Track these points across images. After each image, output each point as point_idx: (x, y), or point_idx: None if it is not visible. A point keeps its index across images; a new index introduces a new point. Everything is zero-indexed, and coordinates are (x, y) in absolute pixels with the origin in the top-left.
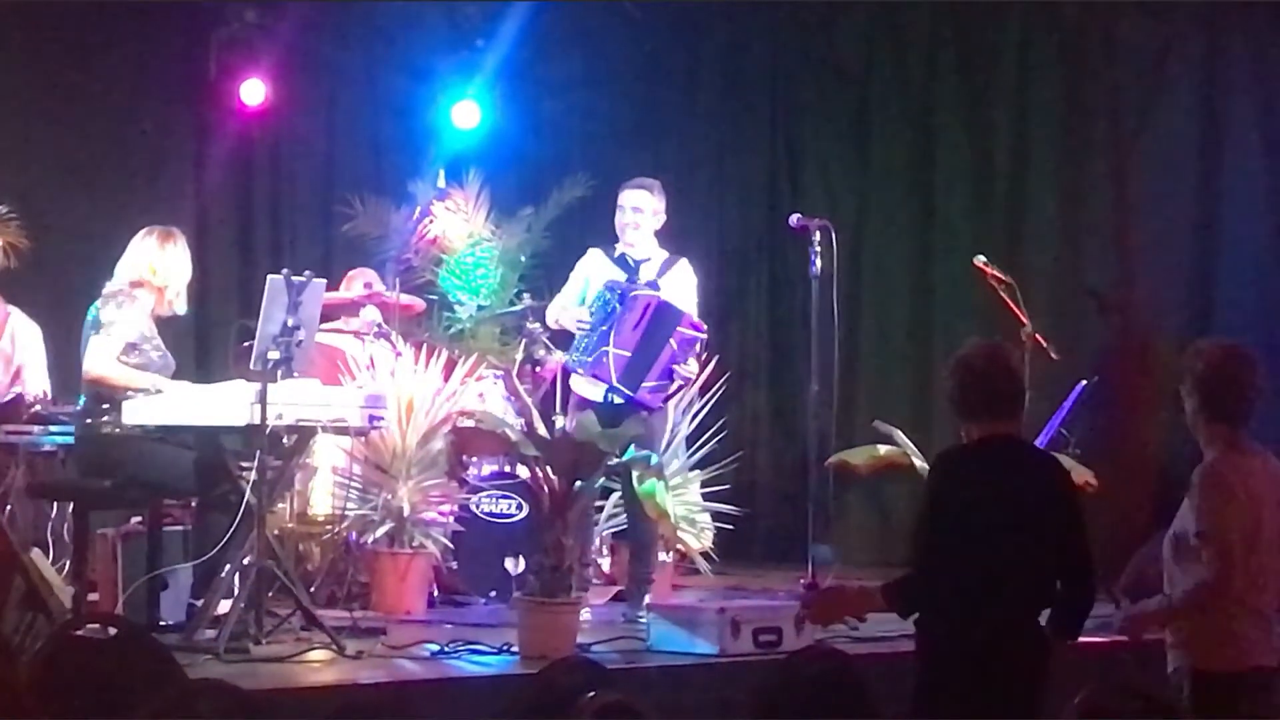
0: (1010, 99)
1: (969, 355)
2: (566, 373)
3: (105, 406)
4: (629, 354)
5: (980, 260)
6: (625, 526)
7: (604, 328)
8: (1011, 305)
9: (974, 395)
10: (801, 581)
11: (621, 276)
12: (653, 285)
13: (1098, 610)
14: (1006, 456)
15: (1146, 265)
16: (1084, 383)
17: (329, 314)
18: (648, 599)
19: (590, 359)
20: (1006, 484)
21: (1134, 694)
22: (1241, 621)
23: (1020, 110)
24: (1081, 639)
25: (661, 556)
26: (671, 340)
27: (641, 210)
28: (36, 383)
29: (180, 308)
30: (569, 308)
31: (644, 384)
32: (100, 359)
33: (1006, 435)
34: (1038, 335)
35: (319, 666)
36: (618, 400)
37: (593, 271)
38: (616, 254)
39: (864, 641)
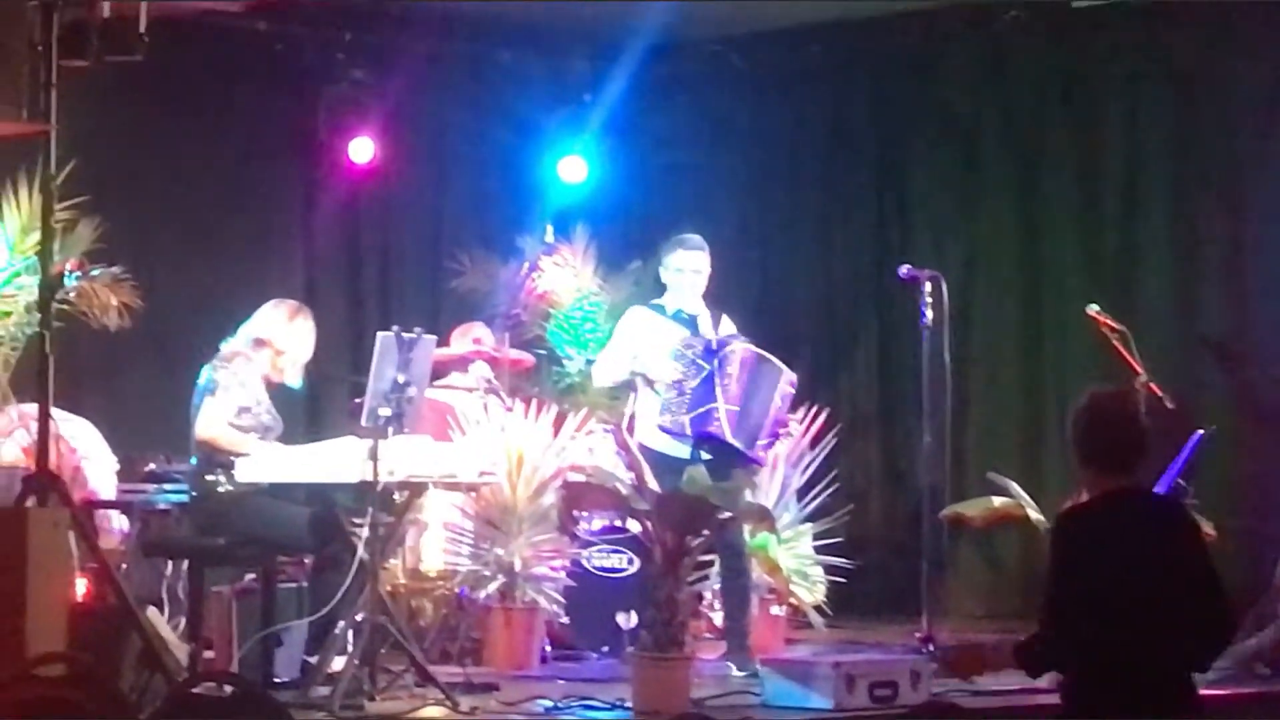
0: (1120, 144)
1: (1100, 401)
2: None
3: (218, 465)
4: (738, 409)
5: (1093, 309)
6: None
7: (695, 384)
8: (1125, 354)
9: (1102, 443)
10: (917, 635)
11: (683, 333)
12: (723, 341)
13: (1218, 663)
14: (1132, 510)
15: (1263, 311)
16: (1201, 432)
17: (439, 370)
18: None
19: (689, 417)
20: (1134, 539)
21: None
22: None
23: (1130, 155)
24: (1207, 690)
25: (774, 610)
26: (777, 395)
27: (700, 271)
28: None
29: (292, 379)
30: (622, 364)
31: (759, 440)
32: (212, 422)
33: (1130, 488)
34: (1152, 384)
35: None
36: (706, 456)
37: (641, 330)
38: (671, 311)
39: (980, 695)
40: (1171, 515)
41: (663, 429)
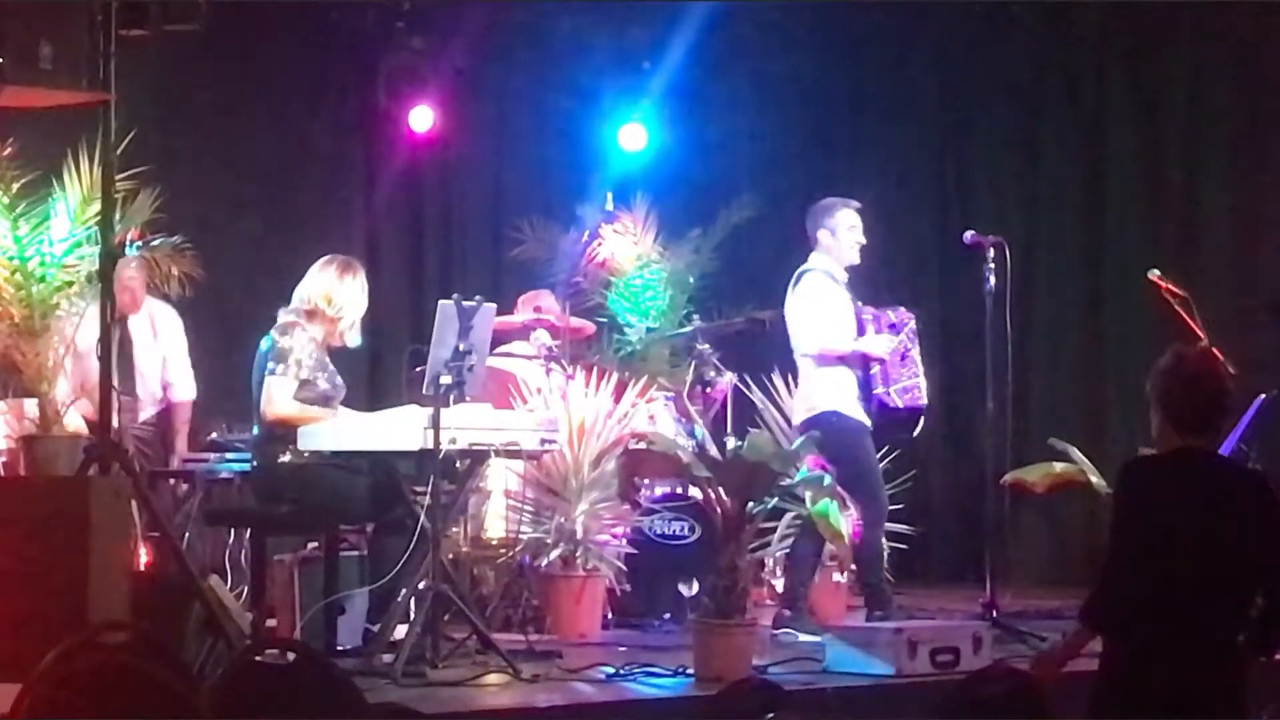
0: (1182, 109)
1: (1188, 360)
2: (737, 393)
3: (280, 434)
4: (922, 379)
5: (1154, 274)
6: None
7: (905, 357)
8: (1187, 319)
9: (1185, 401)
10: (980, 601)
11: (851, 300)
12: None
13: None
14: (1197, 468)
15: None
16: (1263, 396)
17: (500, 338)
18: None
19: (895, 390)
20: (1195, 495)
21: None
22: None
23: (1192, 120)
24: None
25: (836, 577)
26: None
27: (856, 228)
28: (179, 376)
29: (352, 340)
30: (838, 337)
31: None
32: (279, 401)
33: (1201, 449)
34: (1214, 349)
35: (495, 690)
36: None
37: (837, 297)
38: (841, 278)
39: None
40: (1245, 484)
41: (878, 401)
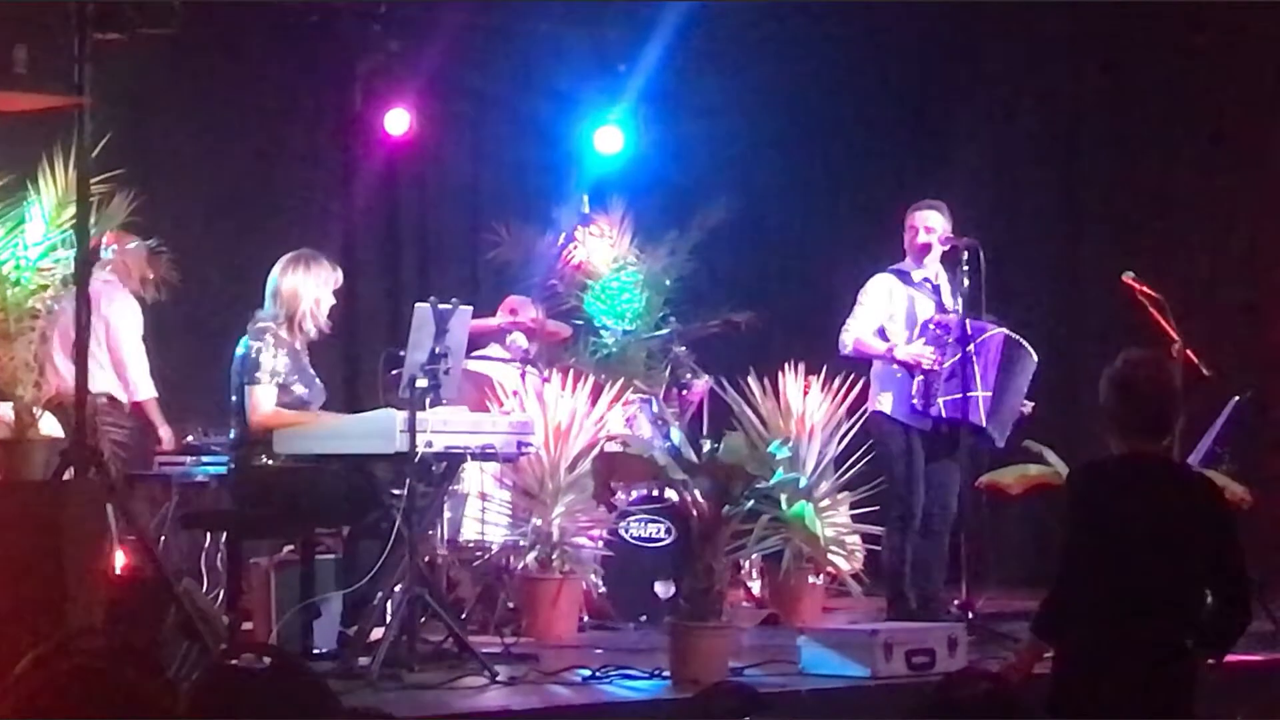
0: (1156, 112)
1: (1134, 365)
2: (713, 396)
3: (257, 437)
4: (992, 395)
5: (1129, 276)
6: (776, 549)
7: (948, 365)
8: (1161, 321)
9: (1133, 407)
10: (955, 603)
11: (929, 302)
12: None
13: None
14: (1149, 472)
15: None
16: (1237, 399)
17: (476, 341)
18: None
19: (944, 399)
20: (1147, 500)
21: None
22: None
23: (1166, 123)
24: (1240, 657)
25: (811, 579)
26: (1026, 381)
27: (934, 230)
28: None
29: (311, 328)
30: (870, 335)
31: (1008, 428)
32: (263, 410)
33: (1153, 453)
34: (1189, 351)
35: (472, 693)
36: (945, 430)
37: (886, 298)
38: (917, 278)
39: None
40: (1193, 488)
41: (914, 408)
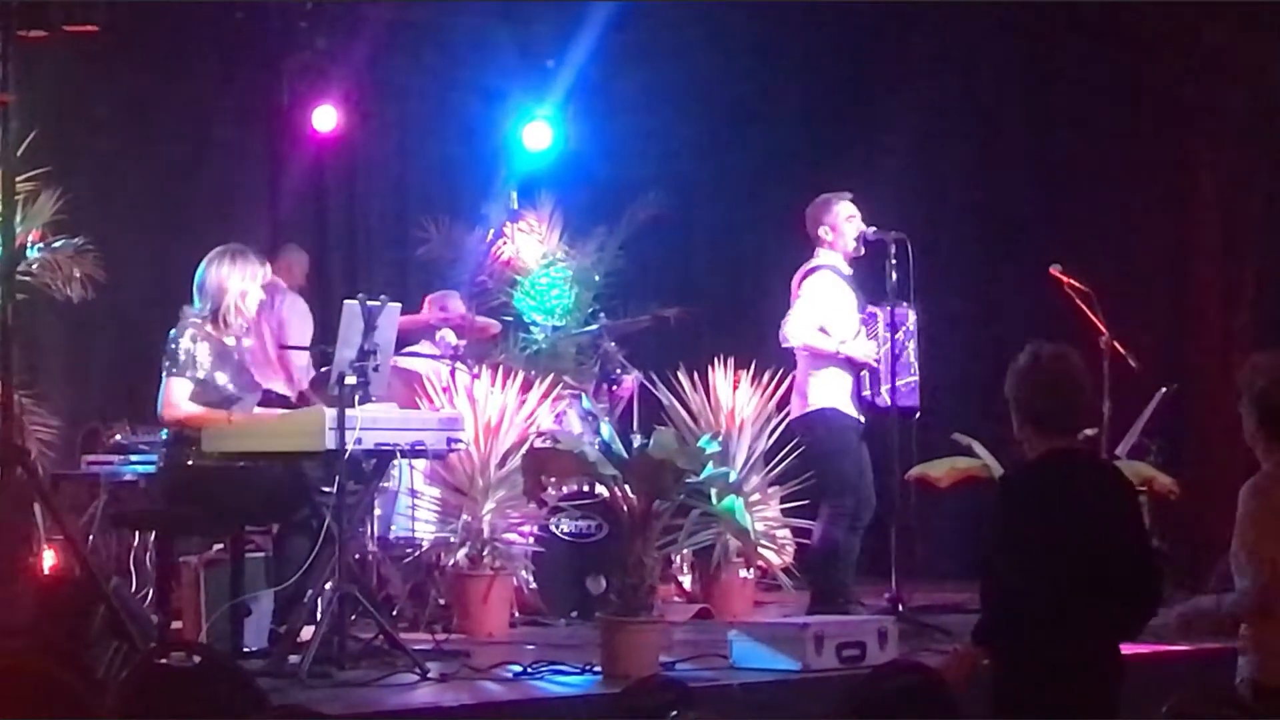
0: (1078, 105)
1: (1041, 359)
2: (643, 391)
3: (186, 437)
4: (919, 377)
5: (1056, 269)
6: (707, 544)
7: (883, 354)
8: (1089, 313)
9: (1042, 402)
10: (886, 596)
11: (855, 298)
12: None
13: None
14: (1068, 472)
15: (1225, 269)
16: (1164, 390)
17: (406, 338)
18: None
19: (888, 389)
20: (1074, 502)
21: (1223, 700)
22: None
23: (1088, 117)
24: (1167, 647)
25: (742, 573)
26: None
27: (855, 217)
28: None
29: (237, 321)
30: (824, 337)
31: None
32: (174, 402)
33: (1068, 449)
34: (1116, 343)
35: (402, 690)
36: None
37: (835, 295)
38: (846, 273)
39: (948, 654)
40: (1108, 478)
41: (866, 403)
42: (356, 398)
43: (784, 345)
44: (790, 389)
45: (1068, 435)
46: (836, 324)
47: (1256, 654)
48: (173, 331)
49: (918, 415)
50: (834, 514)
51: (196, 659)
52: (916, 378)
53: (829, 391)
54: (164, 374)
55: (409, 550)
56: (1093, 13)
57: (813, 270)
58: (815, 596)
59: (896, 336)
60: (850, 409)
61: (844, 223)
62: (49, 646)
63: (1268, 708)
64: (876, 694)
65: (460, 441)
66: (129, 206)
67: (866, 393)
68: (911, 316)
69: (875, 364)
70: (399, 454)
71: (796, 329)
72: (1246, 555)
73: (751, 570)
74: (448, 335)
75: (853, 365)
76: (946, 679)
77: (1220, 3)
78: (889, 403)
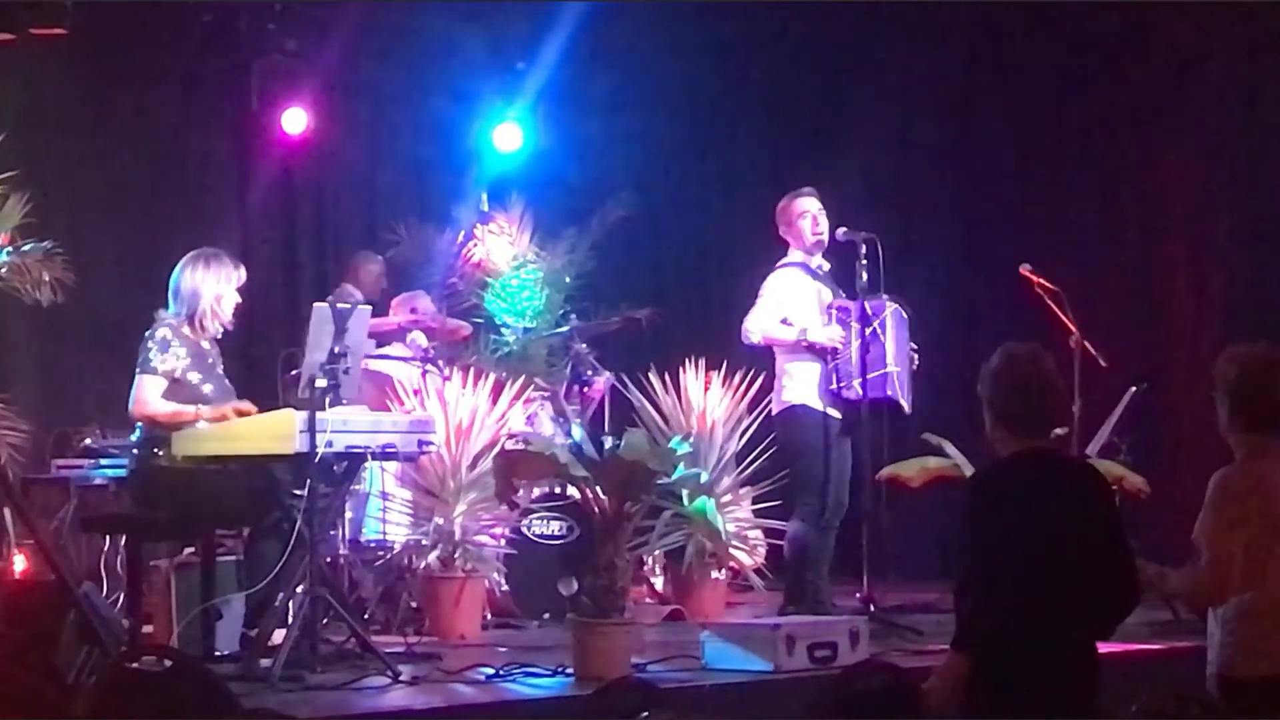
0: (1052, 107)
1: (1014, 360)
2: (614, 392)
3: (156, 439)
4: (900, 369)
5: (1026, 268)
6: (678, 545)
7: (856, 346)
8: (1059, 313)
9: (1015, 403)
10: (857, 596)
11: (830, 293)
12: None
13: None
14: (1041, 471)
15: (1194, 268)
16: (1134, 389)
17: (377, 340)
18: None
19: (860, 381)
20: (1043, 500)
21: (1191, 698)
22: (1267, 628)
23: (1062, 117)
24: (1137, 646)
25: (714, 574)
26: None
27: (821, 214)
28: None
29: (214, 325)
30: (781, 327)
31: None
32: (147, 400)
33: (1042, 449)
34: (1086, 343)
35: (374, 693)
36: (855, 416)
37: (798, 289)
38: (814, 265)
39: (919, 655)
40: (1082, 478)
41: (835, 395)
42: (327, 400)
43: (745, 342)
44: (765, 388)
45: (1040, 436)
46: (798, 317)
47: (1223, 648)
48: (148, 331)
49: (901, 410)
50: (803, 513)
51: (167, 663)
52: (894, 370)
53: (800, 387)
54: (136, 371)
55: (380, 553)
56: (1066, 13)
57: (778, 267)
58: (787, 596)
59: (870, 329)
60: (819, 403)
61: (798, 219)
62: (19, 652)
63: (1236, 701)
64: (848, 694)
65: (431, 444)
66: (98, 210)
67: (834, 385)
68: (890, 309)
69: (841, 347)
70: (370, 456)
71: (753, 323)
72: (1207, 541)
73: (723, 571)
74: (418, 337)
75: (822, 357)
76: (933, 701)
77: (1193, 3)
78: (860, 395)
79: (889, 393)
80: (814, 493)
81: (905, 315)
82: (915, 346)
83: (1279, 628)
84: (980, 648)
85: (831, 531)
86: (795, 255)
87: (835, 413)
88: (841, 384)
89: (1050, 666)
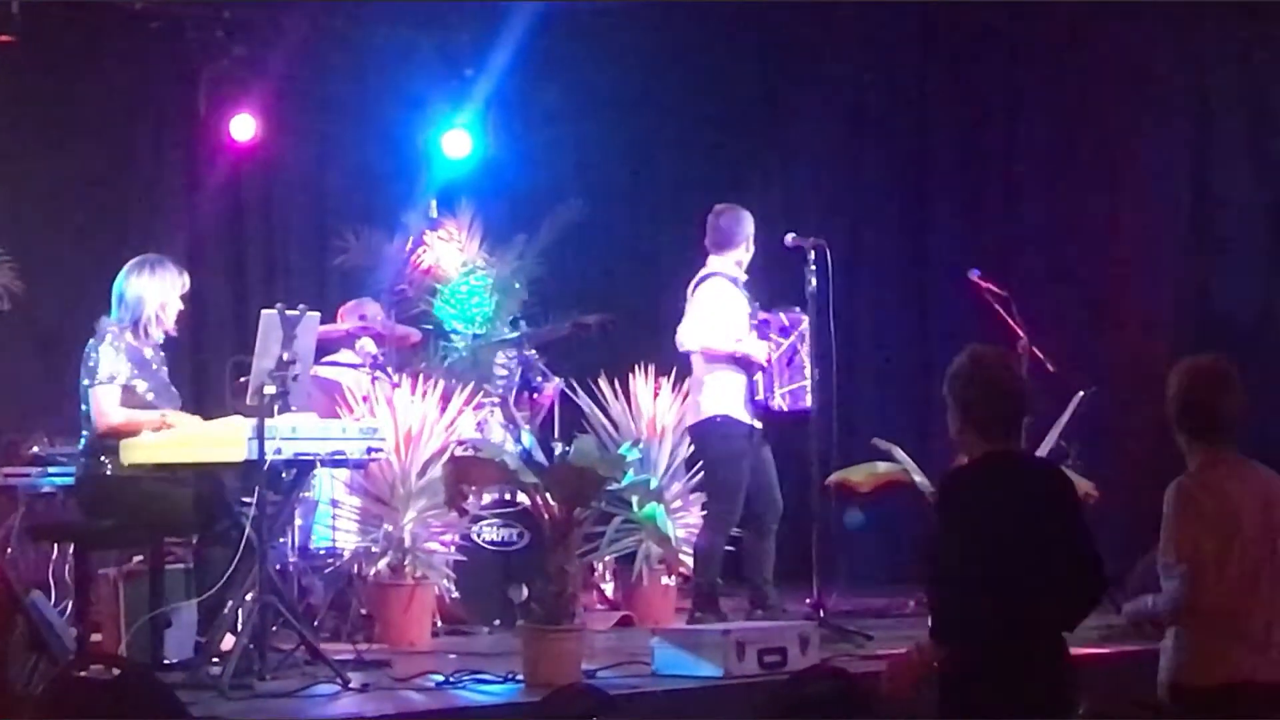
0: (1000, 111)
1: (983, 360)
2: (564, 398)
3: (104, 447)
4: (811, 380)
5: (974, 274)
6: (628, 551)
7: (777, 358)
8: (1007, 318)
9: (983, 403)
10: (807, 601)
11: (748, 305)
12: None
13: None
14: (1011, 472)
15: (1142, 274)
16: (1081, 394)
17: (326, 347)
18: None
19: (783, 392)
20: (1015, 501)
21: (1140, 704)
22: (1219, 635)
23: (1010, 123)
24: (1086, 650)
25: (664, 580)
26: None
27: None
28: None
29: (158, 332)
30: (720, 337)
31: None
32: (106, 412)
33: (1009, 451)
34: (1034, 348)
35: (324, 701)
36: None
37: (731, 301)
38: (741, 279)
39: (868, 659)
40: (1049, 479)
41: (760, 406)
42: (276, 407)
43: (680, 349)
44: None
45: (1008, 438)
46: (729, 328)
47: (1175, 654)
48: (91, 342)
49: (809, 417)
50: (712, 519)
51: (116, 671)
52: (807, 382)
53: (721, 398)
54: (87, 387)
55: (330, 560)
56: (1016, 17)
57: (707, 277)
58: (695, 604)
59: (788, 341)
60: (743, 415)
61: (749, 238)
62: None
63: (1186, 708)
64: (797, 699)
65: (380, 451)
66: (45, 217)
67: (760, 396)
68: (804, 323)
69: (767, 365)
70: (319, 463)
71: (689, 332)
72: (1174, 555)
73: (673, 577)
74: (367, 344)
75: (746, 369)
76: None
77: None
78: (783, 406)
79: (807, 404)
80: (728, 502)
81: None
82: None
83: (1231, 636)
84: (959, 638)
85: (770, 536)
86: (721, 266)
87: (759, 423)
88: (767, 394)
89: (1022, 665)
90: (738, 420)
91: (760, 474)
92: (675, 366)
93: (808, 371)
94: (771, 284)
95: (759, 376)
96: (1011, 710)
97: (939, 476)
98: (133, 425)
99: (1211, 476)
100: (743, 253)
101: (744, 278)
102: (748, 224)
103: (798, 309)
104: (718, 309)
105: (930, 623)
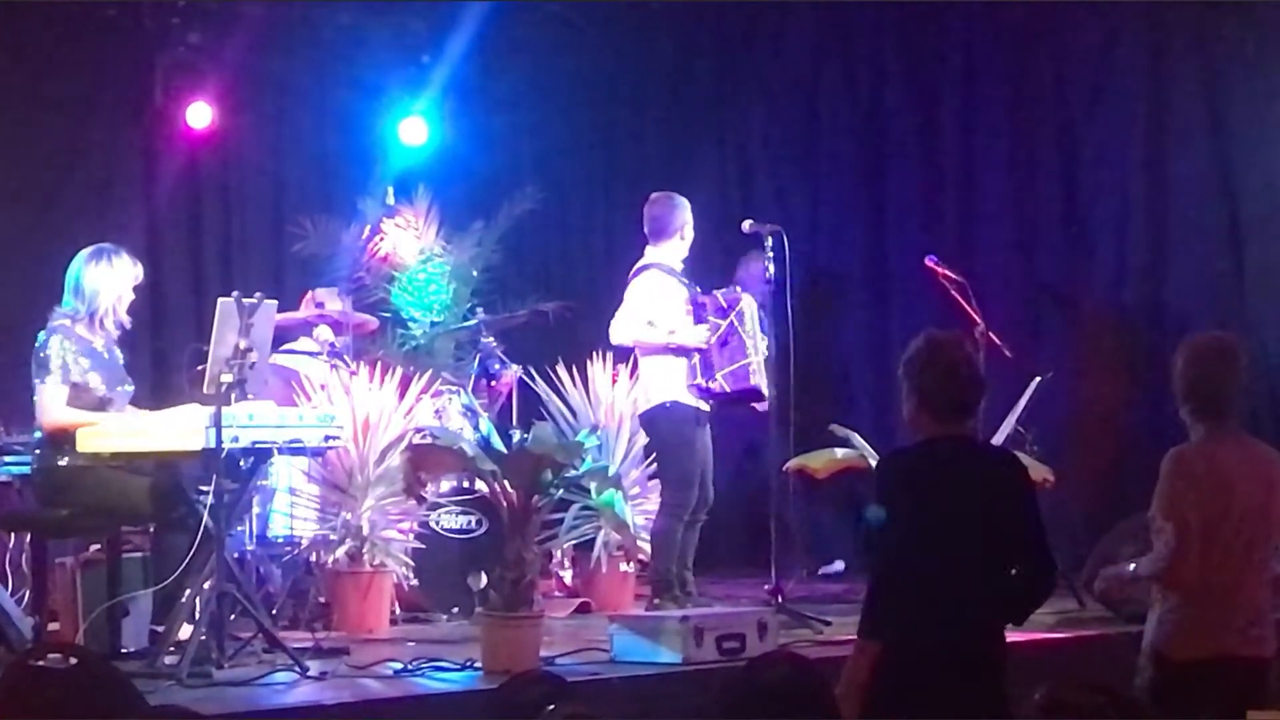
0: (959, 97)
1: (938, 345)
2: (522, 386)
3: (61, 436)
4: (760, 357)
5: (931, 260)
6: (587, 538)
7: (716, 340)
8: (964, 304)
9: (937, 387)
10: (765, 588)
11: (685, 290)
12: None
13: (1060, 606)
14: (958, 454)
15: (1098, 259)
16: (1039, 379)
17: (282, 335)
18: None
19: (724, 373)
20: (959, 483)
21: (1096, 689)
22: (1205, 608)
23: (969, 109)
24: (1042, 635)
25: (623, 567)
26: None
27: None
28: None
29: (112, 325)
30: (655, 327)
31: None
32: (52, 410)
33: (957, 435)
34: (990, 333)
35: (282, 689)
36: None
37: (665, 292)
38: (679, 270)
39: (826, 645)
40: (999, 464)
41: (701, 390)
42: (233, 395)
43: (613, 344)
44: None
45: (961, 422)
46: (663, 318)
47: (1165, 625)
48: (41, 335)
49: (763, 397)
50: (667, 505)
51: (73, 660)
52: (750, 360)
53: (666, 384)
54: (36, 381)
55: (288, 548)
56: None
57: (641, 269)
58: (654, 590)
59: (725, 322)
60: (689, 399)
61: (684, 226)
62: None
63: (1167, 678)
64: (754, 686)
65: (338, 438)
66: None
67: (699, 380)
68: (747, 300)
69: (705, 347)
70: (276, 451)
71: (619, 328)
72: (1162, 518)
73: (632, 564)
74: (325, 332)
75: (686, 354)
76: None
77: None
78: (725, 388)
79: (752, 383)
80: (681, 489)
81: (756, 303)
82: (765, 336)
83: (1219, 610)
84: (889, 634)
85: (696, 527)
86: (657, 256)
87: (704, 407)
88: (706, 378)
89: (959, 654)
90: (683, 404)
91: (701, 462)
92: (633, 353)
93: (750, 348)
94: (731, 271)
95: (695, 359)
96: (939, 699)
97: (879, 460)
98: (78, 426)
99: (1210, 449)
100: (677, 241)
101: (680, 267)
102: (683, 211)
103: (736, 287)
104: (648, 302)
105: (866, 623)
